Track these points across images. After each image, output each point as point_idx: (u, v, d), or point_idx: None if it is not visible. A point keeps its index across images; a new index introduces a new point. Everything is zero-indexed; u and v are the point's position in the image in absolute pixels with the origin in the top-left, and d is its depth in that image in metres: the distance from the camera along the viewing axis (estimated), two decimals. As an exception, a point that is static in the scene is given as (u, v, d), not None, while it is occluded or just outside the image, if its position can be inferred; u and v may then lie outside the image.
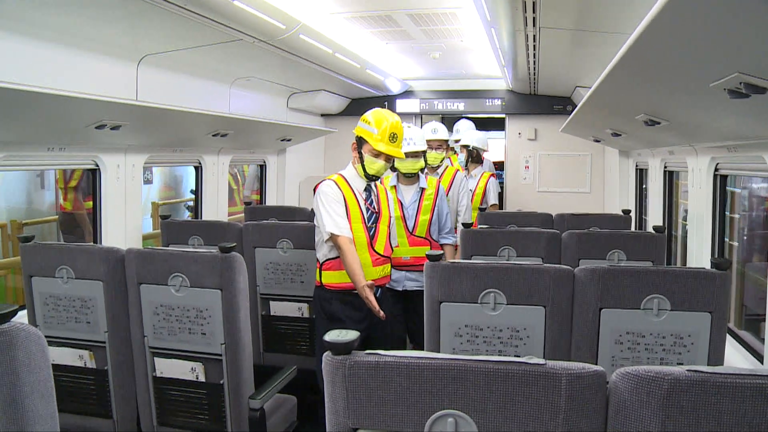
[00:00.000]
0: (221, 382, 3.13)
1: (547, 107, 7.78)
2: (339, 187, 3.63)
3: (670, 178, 5.23)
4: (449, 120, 8.60)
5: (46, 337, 3.30)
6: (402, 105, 8.15)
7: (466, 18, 4.61)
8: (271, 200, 7.27)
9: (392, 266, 4.13)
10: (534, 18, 3.55)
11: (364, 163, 3.66)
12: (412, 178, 4.50)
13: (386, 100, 8.16)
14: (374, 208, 3.75)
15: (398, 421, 1.46)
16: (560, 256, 3.90)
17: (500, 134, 8.75)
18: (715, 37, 1.59)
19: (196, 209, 5.90)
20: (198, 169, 5.83)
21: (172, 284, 3.15)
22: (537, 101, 7.85)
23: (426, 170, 4.89)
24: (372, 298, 3.58)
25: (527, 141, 8.08)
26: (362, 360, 1.46)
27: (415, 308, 4.39)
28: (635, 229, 6.06)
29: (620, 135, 4.65)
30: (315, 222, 3.73)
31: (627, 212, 5.18)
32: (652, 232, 3.91)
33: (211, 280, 3.05)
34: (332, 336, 1.49)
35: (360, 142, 3.68)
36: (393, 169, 4.36)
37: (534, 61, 5.21)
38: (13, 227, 6.85)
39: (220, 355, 3.09)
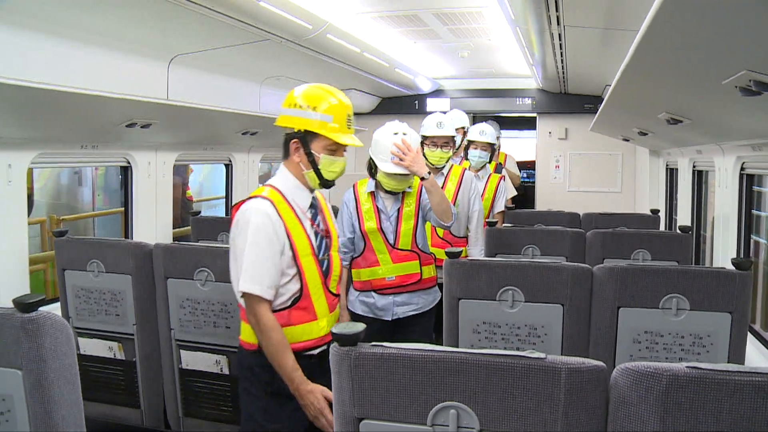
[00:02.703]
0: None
1: (578, 106, 7.73)
2: (277, 212, 2.51)
3: (699, 178, 5.18)
4: (479, 120, 8.60)
5: (77, 328, 3.43)
6: (433, 104, 8.16)
7: (492, 16, 4.61)
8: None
9: (375, 291, 3.56)
10: (558, 16, 3.54)
11: (321, 166, 2.57)
12: (395, 194, 3.60)
13: (417, 99, 8.19)
14: (322, 230, 2.70)
15: (402, 411, 1.50)
16: (584, 256, 3.90)
17: (531, 133, 8.72)
18: (722, 34, 1.60)
19: (226, 206, 6.00)
20: (228, 167, 5.93)
21: (197, 279, 3.23)
22: (567, 100, 7.81)
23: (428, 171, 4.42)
24: (325, 410, 2.49)
25: (558, 140, 8.04)
26: (367, 351, 1.51)
27: (410, 339, 3.27)
28: (664, 229, 6.00)
29: (646, 134, 4.61)
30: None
31: (656, 212, 5.14)
32: (678, 232, 3.88)
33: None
34: (339, 328, 1.54)
35: (304, 137, 2.55)
36: (372, 177, 3.60)
37: (561, 60, 5.19)
38: (52, 222, 7.01)
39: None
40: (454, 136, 4.33)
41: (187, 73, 4.49)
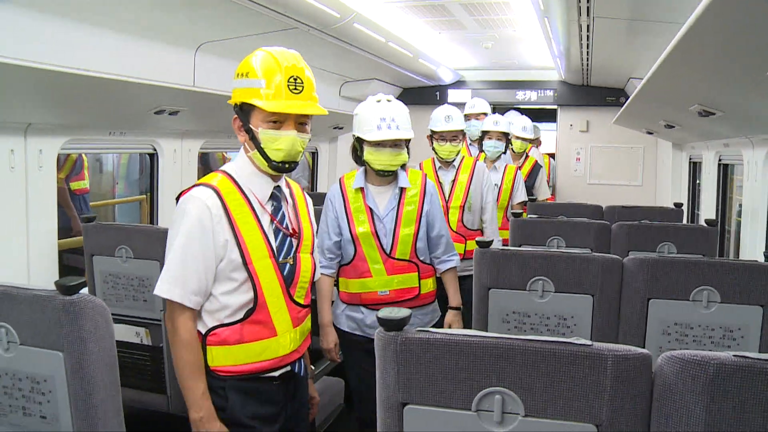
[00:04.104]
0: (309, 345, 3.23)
1: (600, 99, 7.70)
2: (222, 203, 2.13)
3: (725, 172, 5.15)
4: (500, 111, 8.59)
5: (104, 314, 3.45)
6: (454, 95, 8.15)
7: (519, 7, 4.61)
8: (322, 187, 7.38)
9: (364, 305, 3.15)
10: (588, 7, 3.53)
11: (262, 144, 2.14)
12: (388, 176, 3.15)
13: (438, 90, 8.19)
14: (288, 227, 2.28)
15: (447, 397, 1.51)
16: (609, 248, 3.89)
17: (552, 125, 8.70)
18: (772, 25, 1.59)
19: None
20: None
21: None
22: (589, 93, 7.78)
23: (439, 166, 4.31)
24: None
25: (579, 133, 8.02)
26: (413, 337, 1.52)
27: None
28: (687, 223, 5.98)
29: (674, 127, 4.59)
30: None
31: (679, 206, 5.12)
32: (704, 225, 3.87)
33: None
34: (384, 312, 1.54)
35: (241, 110, 2.17)
36: (360, 162, 3.18)
37: (587, 52, 5.17)
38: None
39: None
40: (462, 130, 4.24)
41: (214, 61, 4.50)
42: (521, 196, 5.03)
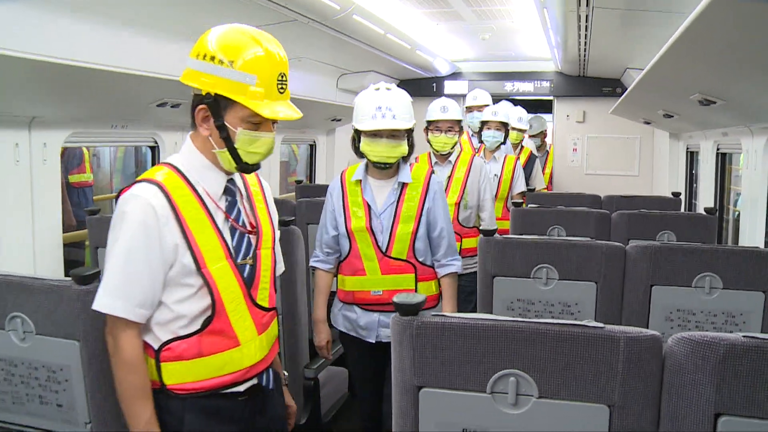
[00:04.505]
0: (278, 351, 3.23)
1: (596, 89, 7.71)
2: (169, 201, 1.87)
3: (723, 161, 5.18)
4: (495, 102, 8.62)
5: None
6: (450, 86, 8.16)
7: (517, -2, 4.63)
8: (320, 179, 7.39)
9: (358, 305, 2.98)
10: (588, -2, 3.56)
11: (237, 145, 1.89)
12: (387, 169, 2.96)
13: (435, 82, 8.18)
14: (245, 224, 2.04)
15: (462, 379, 1.54)
16: (609, 237, 3.92)
17: (548, 116, 8.73)
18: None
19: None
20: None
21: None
22: (586, 83, 7.79)
23: (435, 161, 4.17)
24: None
25: (575, 123, 8.03)
26: (429, 321, 1.55)
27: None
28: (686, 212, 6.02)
29: (672, 116, 4.62)
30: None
31: (677, 195, 5.15)
32: (703, 213, 3.91)
33: (270, 252, 3.16)
34: (401, 297, 1.58)
35: (216, 103, 1.87)
36: (359, 154, 2.97)
37: (585, 42, 5.19)
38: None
39: (278, 325, 3.19)
40: (459, 120, 4.09)
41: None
42: (521, 186, 4.98)
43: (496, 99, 5.65)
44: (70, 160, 7.27)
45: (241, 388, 2.02)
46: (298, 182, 6.19)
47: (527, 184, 5.37)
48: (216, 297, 1.90)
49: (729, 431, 1.41)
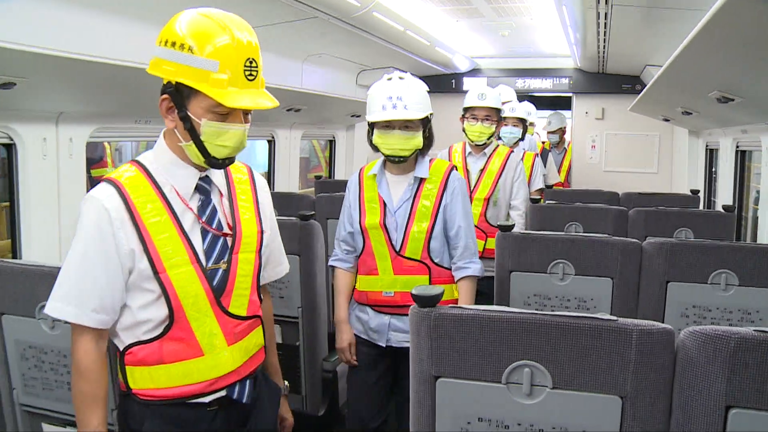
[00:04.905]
0: (297, 344, 3.27)
1: (615, 86, 7.69)
2: (125, 202, 1.75)
3: (742, 159, 5.16)
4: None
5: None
6: (469, 83, 8.17)
7: (537, -5, 4.65)
8: (339, 174, 7.44)
9: (370, 306, 2.83)
10: (607, -5, 3.57)
11: (203, 137, 1.76)
12: (402, 163, 2.77)
13: (453, 78, 8.20)
14: (221, 226, 1.90)
15: (478, 370, 1.58)
16: (627, 234, 3.93)
17: (566, 113, 8.72)
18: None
19: (269, 181, 6.12)
20: (271, 143, 6.04)
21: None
22: (605, 80, 7.77)
23: (469, 151, 4.01)
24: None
25: (594, 120, 8.02)
26: (446, 312, 1.59)
27: (406, 375, 2.37)
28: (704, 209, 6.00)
29: (691, 113, 4.62)
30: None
31: (695, 192, 5.14)
32: (721, 211, 3.90)
33: (290, 246, 3.17)
34: (419, 289, 1.62)
35: (177, 91, 1.74)
36: (373, 147, 2.80)
37: (604, 39, 5.19)
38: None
39: (297, 318, 3.23)
40: (498, 109, 3.93)
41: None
42: (539, 183, 4.93)
43: (519, 97, 5.64)
44: (92, 154, 7.36)
45: (207, 399, 1.87)
46: (317, 177, 6.25)
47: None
48: (174, 304, 1.77)
49: (739, 424, 1.44)
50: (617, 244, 2.77)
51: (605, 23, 4.38)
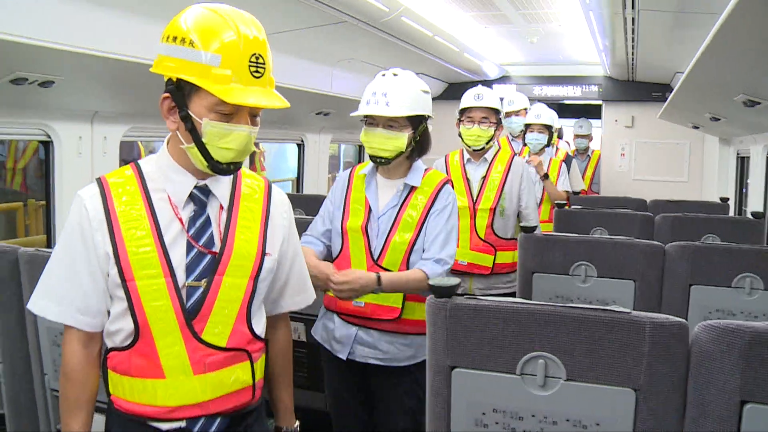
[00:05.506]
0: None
1: (646, 94, 7.65)
2: (104, 203, 1.65)
3: (773, 165, 5.10)
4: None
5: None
6: (498, 90, 8.18)
7: (564, 1, 4.65)
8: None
9: (337, 314, 2.59)
10: (633, 0, 3.57)
11: (205, 139, 1.61)
12: (384, 164, 2.55)
13: (482, 85, 8.19)
14: (211, 242, 1.69)
15: (493, 361, 1.60)
16: (652, 240, 3.90)
17: (596, 122, 8.70)
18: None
19: (298, 184, 6.22)
20: (300, 147, 6.13)
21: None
22: (635, 88, 7.74)
23: (468, 158, 3.70)
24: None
25: (624, 128, 7.98)
26: (462, 303, 1.62)
27: (381, 396, 2.60)
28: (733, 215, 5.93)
29: (719, 119, 4.58)
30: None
31: (725, 200, 5.09)
32: (750, 217, 3.87)
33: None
34: (436, 280, 1.65)
35: (178, 90, 1.60)
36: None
37: (632, 46, 5.18)
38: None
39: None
40: (497, 110, 3.61)
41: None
42: (565, 187, 4.90)
43: (548, 104, 5.63)
44: (128, 155, 7.52)
45: (164, 426, 1.68)
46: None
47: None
48: (139, 318, 1.62)
49: (754, 419, 1.44)
50: (640, 246, 2.77)
51: (633, 29, 4.37)
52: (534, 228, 2.89)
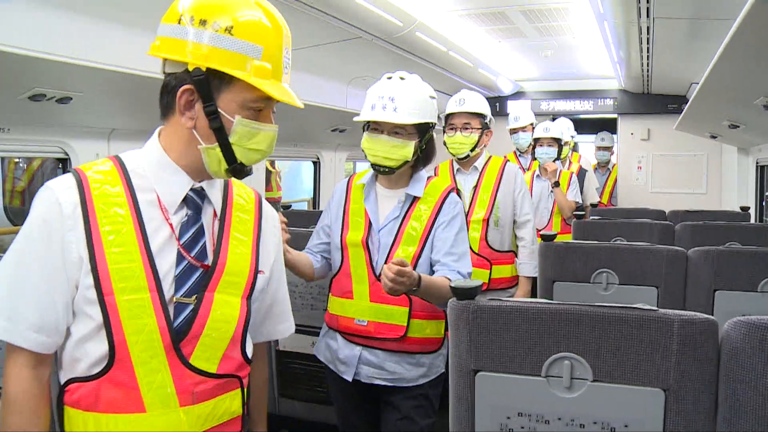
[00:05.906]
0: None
1: (661, 106, 7.62)
2: (81, 199, 1.40)
3: (794, 173, 5.06)
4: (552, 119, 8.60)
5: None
6: (513, 106, 8.10)
7: (578, 13, 4.65)
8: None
9: (340, 333, 2.48)
10: (648, 8, 3.56)
11: (234, 139, 1.44)
12: (388, 174, 2.42)
13: (497, 101, 8.20)
14: (204, 253, 1.49)
15: (517, 363, 1.57)
16: (674, 247, 3.87)
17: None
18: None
19: (314, 201, 6.24)
20: (316, 164, 6.15)
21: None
22: (650, 100, 7.71)
23: (458, 167, 3.56)
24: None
25: (640, 141, 7.94)
26: (485, 305, 1.59)
27: (388, 418, 2.45)
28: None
29: (738, 126, 4.53)
30: None
31: (745, 209, 5.03)
32: (772, 224, 3.82)
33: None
34: (457, 282, 1.63)
35: (205, 81, 1.40)
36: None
37: (647, 56, 5.16)
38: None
39: None
40: (482, 115, 3.40)
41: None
42: (576, 197, 4.89)
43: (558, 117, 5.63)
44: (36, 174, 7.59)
45: None
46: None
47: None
48: (116, 339, 1.37)
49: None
50: (662, 252, 2.74)
51: (648, 38, 4.35)
52: (554, 236, 2.86)
